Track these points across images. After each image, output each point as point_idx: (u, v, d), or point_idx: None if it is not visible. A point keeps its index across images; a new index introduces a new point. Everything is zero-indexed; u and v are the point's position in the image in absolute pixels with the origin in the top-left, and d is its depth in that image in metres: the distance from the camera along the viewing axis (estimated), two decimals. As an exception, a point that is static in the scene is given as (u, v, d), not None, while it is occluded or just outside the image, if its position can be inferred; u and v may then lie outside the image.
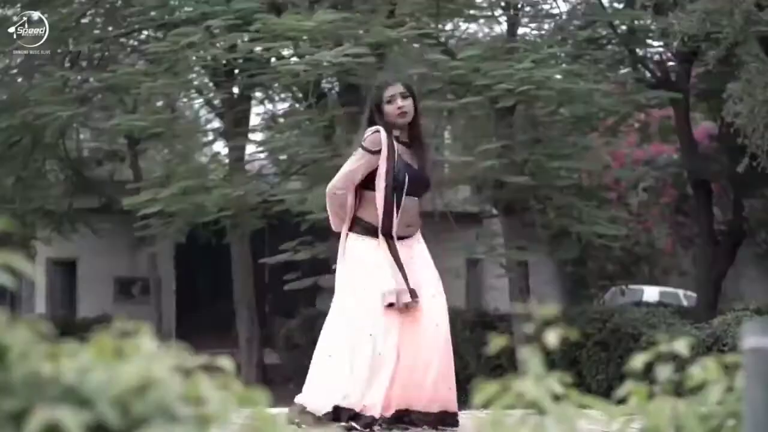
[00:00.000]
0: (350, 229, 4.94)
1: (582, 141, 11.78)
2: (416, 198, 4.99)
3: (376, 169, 4.85)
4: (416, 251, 5.02)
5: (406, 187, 4.86)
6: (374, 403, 4.72)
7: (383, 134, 4.86)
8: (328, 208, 5.02)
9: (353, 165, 4.89)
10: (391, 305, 4.77)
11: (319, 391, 4.84)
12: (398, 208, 4.86)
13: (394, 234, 4.87)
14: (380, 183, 4.84)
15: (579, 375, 10.64)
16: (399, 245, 4.89)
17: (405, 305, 4.79)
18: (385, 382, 4.73)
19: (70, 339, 1.57)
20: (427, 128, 11.81)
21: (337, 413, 4.74)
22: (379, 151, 4.85)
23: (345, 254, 4.95)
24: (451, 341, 5.01)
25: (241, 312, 15.14)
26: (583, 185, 13.25)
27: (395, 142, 4.90)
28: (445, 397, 4.85)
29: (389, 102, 4.89)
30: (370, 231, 4.88)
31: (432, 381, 4.81)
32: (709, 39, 9.28)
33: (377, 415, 4.71)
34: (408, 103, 4.91)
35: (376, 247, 4.86)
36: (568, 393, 1.82)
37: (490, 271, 17.57)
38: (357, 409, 4.73)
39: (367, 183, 4.89)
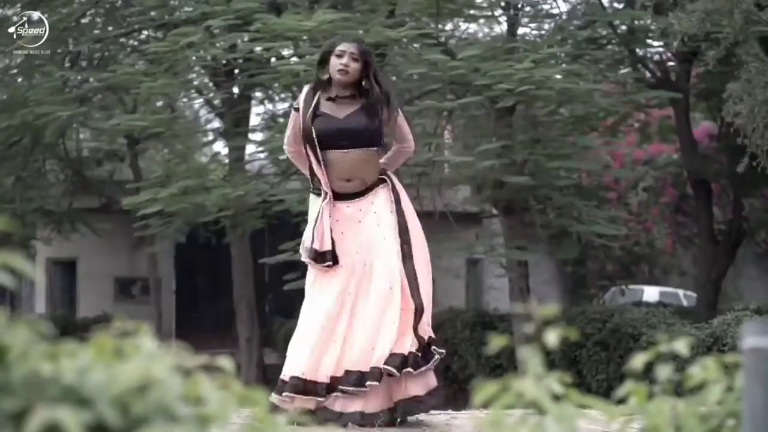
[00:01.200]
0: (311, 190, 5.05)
1: (582, 141, 11.77)
2: (349, 150, 4.89)
3: None
4: (367, 210, 4.92)
5: (317, 139, 4.86)
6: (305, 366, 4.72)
7: (305, 90, 5.00)
8: None
9: (288, 125, 5.07)
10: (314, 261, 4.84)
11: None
12: (320, 162, 4.88)
13: (326, 190, 4.88)
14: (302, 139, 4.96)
15: (579, 375, 10.65)
16: (344, 204, 4.89)
17: (313, 262, 4.82)
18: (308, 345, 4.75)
19: (70, 339, 1.57)
20: (424, 127, 11.88)
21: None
22: (314, 88, 4.99)
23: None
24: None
25: (241, 312, 15.14)
26: (583, 185, 13.25)
27: (326, 99, 4.94)
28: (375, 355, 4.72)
29: (338, 56, 4.92)
30: (319, 190, 4.94)
31: (360, 347, 4.73)
32: (709, 39, 9.27)
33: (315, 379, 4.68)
34: (353, 66, 4.89)
35: (316, 203, 4.95)
36: (568, 393, 1.82)
37: (490, 271, 17.59)
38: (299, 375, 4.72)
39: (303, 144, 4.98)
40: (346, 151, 4.89)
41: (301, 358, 4.73)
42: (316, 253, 4.80)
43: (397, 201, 4.95)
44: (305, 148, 4.94)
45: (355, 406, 4.71)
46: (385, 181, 4.99)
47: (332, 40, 5.19)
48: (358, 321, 4.77)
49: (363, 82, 4.96)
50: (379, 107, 4.93)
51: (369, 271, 4.82)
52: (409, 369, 4.70)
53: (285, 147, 5.13)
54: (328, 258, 4.80)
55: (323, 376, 4.70)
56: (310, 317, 4.81)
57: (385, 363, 4.67)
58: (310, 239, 4.84)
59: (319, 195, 4.92)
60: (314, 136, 4.87)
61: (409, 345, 4.74)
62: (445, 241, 12.07)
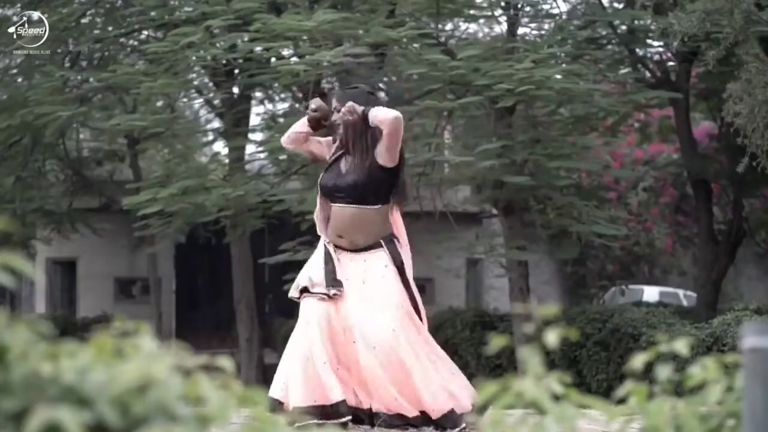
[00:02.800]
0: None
1: (582, 141, 11.77)
2: (343, 206, 4.90)
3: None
4: (356, 267, 4.90)
5: (320, 191, 4.97)
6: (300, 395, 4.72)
7: (335, 143, 5.05)
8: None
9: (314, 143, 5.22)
10: (305, 294, 4.88)
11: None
12: (323, 212, 4.97)
13: (325, 236, 4.95)
14: None
15: (579, 375, 10.65)
16: (342, 255, 4.91)
17: (324, 295, 4.82)
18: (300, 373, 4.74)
19: (70, 339, 1.57)
20: (424, 128, 11.88)
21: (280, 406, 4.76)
22: (333, 139, 5.06)
23: None
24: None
25: (241, 312, 15.14)
26: (583, 185, 13.24)
27: (343, 154, 4.98)
28: (394, 403, 4.75)
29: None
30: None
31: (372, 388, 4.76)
32: (709, 39, 9.27)
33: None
34: (337, 116, 4.97)
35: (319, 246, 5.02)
36: (568, 393, 1.82)
37: (490, 271, 17.58)
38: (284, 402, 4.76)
39: None
40: (341, 206, 4.90)
41: (335, 383, 4.70)
42: (336, 281, 4.80)
43: (396, 269, 4.90)
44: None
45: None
46: (383, 247, 4.91)
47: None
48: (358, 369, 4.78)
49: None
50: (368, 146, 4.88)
51: (340, 322, 4.83)
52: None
53: (286, 136, 5.17)
54: (341, 284, 4.82)
55: (336, 397, 4.70)
56: (314, 343, 4.79)
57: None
58: (321, 273, 4.84)
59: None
60: (318, 186, 5.00)
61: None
62: (445, 241, 12.07)
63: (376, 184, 4.86)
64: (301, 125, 5.11)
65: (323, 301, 4.82)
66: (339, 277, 4.82)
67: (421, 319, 4.91)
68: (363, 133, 4.88)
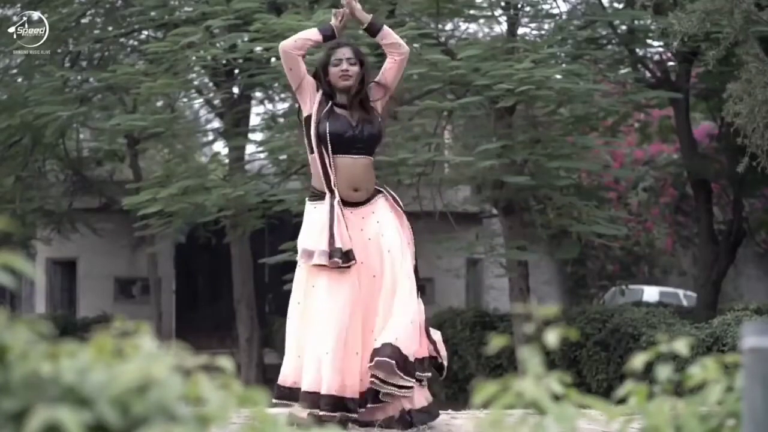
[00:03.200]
0: (308, 199, 4.95)
1: (582, 141, 11.77)
2: (357, 157, 4.83)
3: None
4: (368, 219, 4.85)
5: (330, 141, 4.78)
6: (306, 380, 4.68)
7: (320, 92, 4.91)
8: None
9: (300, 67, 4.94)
10: (320, 265, 4.74)
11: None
12: (330, 166, 4.79)
13: (335, 194, 4.78)
14: (311, 141, 4.84)
15: (579, 375, 10.65)
16: (347, 210, 4.81)
17: (328, 265, 4.71)
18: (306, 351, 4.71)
19: (70, 339, 1.57)
20: (426, 127, 11.89)
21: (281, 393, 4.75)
22: (318, 88, 4.90)
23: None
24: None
25: (241, 312, 15.15)
26: (583, 185, 13.24)
27: (334, 106, 4.89)
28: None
29: (335, 65, 4.90)
30: (319, 197, 4.85)
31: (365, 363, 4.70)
32: (709, 39, 9.27)
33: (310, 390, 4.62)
34: (353, 69, 4.88)
35: (320, 208, 4.84)
36: (568, 393, 1.82)
37: (490, 271, 17.58)
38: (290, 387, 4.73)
39: (311, 147, 4.87)
40: (356, 157, 4.83)
41: (328, 375, 4.62)
42: (341, 253, 4.69)
43: (398, 211, 4.92)
44: (315, 151, 4.82)
45: (378, 415, 4.73)
46: (382, 191, 4.93)
47: (330, 45, 5.07)
48: (373, 336, 4.73)
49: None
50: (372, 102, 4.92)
51: (377, 284, 4.76)
52: (423, 375, 4.72)
53: (292, 40, 4.95)
54: (351, 257, 4.71)
55: (352, 393, 4.66)
56: (325, 326, 4.69)
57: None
58: (326, 241, 4.70)
59: (317, 199, 4.85)
60: (328, 136, 4.79)
61: (425, 351, 4.79)
62: (445, 241, 12.06)
63: (381, 137, 4.97)
64: (313, 33, 5.00)
65: (339, 271, 4.72)
66: (339, 243, 4.70)
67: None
68: (364, 83, 4.93)
